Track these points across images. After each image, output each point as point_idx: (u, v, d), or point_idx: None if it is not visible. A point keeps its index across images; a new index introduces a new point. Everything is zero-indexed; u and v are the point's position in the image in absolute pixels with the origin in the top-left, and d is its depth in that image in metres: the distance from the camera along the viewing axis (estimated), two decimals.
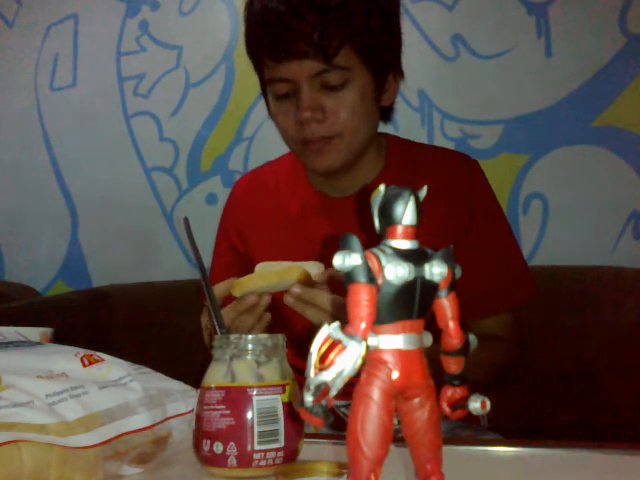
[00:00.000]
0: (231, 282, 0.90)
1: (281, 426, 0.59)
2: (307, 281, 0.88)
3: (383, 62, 1.04)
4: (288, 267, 0.89)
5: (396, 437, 0.39)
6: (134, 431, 0.59)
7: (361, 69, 1.00)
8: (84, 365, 0.62)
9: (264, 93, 1.10)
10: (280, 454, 0.59)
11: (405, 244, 0.40)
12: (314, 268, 0.90)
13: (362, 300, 0.37)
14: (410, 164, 1.13)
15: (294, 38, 0.95)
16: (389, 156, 1.14)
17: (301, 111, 0.99)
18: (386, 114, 1.13)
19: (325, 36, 0.95)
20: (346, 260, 0.37)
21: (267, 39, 0.99)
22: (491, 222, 1.13)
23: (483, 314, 1.08)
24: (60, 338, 0.78)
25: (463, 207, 1.10)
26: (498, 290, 1.09)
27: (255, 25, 1.01)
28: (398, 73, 1.09)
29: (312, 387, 0.36)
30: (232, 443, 0.58)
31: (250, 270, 0.98)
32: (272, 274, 0.89)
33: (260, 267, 0.95)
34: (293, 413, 0.60)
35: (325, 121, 1.00)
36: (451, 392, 0.43)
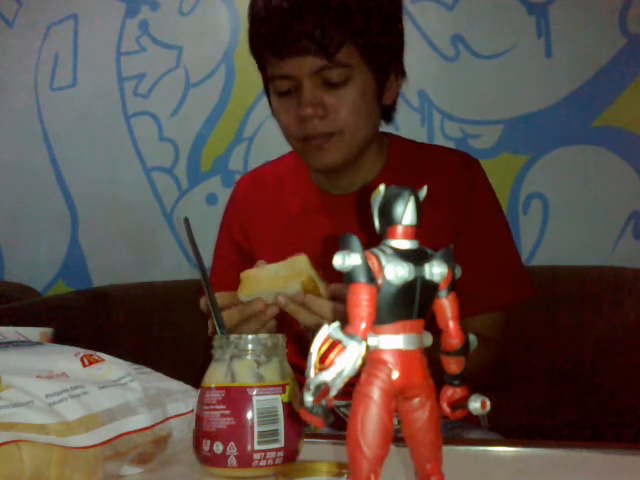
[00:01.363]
0: (232, 294, 0.90)
1: (281, 426, 0.59)
2: (312, 287, 0.88)
3: (384, 61, 1.04)
4: (293, 273, 0.89)
5: (396, 437, 0.39)
6: (134, 431, 0.59)
7: (362, 67, 1.01)
8: (84, 365, 0.62)
9: (267, 91, 1.10)
10: (280, 454, 0.59)
11: (405, 244, 0.40)
12: (299, 262, 0.89)
13: (362, 300, 0.37)
14: (411, 163, 1.13)
15: (296, 35, 0.96)
16: (390, 155, 1.14)
17: (302, 107, 1.00)
18: (388, 114, 1.13)
19: (327, 33, 0.96)
20: (346, 260, 0.37)
21: (270, 36, 1.00)
22: (489, 221, 1.13)
23: (474, 311, 1.07)
24: (60, 338, 0.78)
25: (463, 205, 1.10)
26: (490, 287, 1.08)
27: (258, 23, 1.02)
28: (400, 73, 1.10)
29: (312, 387, 0.36)
30: (232, 443, 0.58)
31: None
32: (278, 279, 0.89)
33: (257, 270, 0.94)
34: (293, 413, 0.60)
35: (326, 118, 1.01)
36: (451, 392, 0.43)
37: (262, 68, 1.07)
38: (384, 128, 1.14)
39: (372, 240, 0.41)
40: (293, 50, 0.97)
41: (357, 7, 0.98)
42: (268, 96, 1.10)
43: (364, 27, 0.98)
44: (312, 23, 0.95)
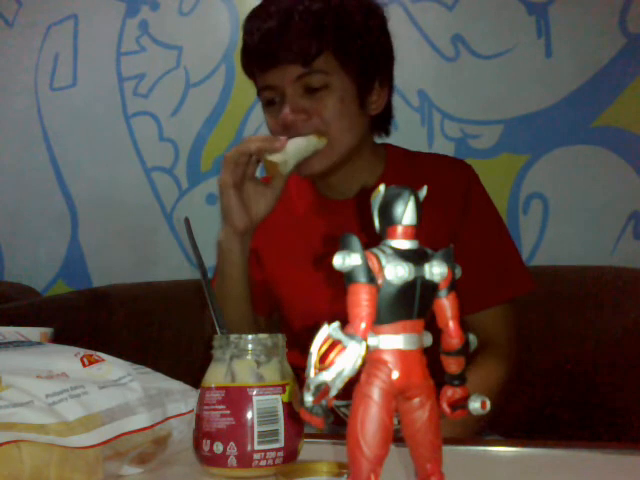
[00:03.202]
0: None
1: (281, 426, 0.59)
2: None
3: (364, 70, 1.09)
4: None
5: (396, 437, 0.39)
6: (134, 431, 0.59)
7: (340, 74, 1.07)
8: (84, 365, 0.62)
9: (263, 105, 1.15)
10: (280, 454, 0.59)
11: (405, 244, 0.40)
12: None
13: (362, 300, 0.37)
14: (408, 171, 1.16)
15: (277, 48, 1.04)
16: (388, 164, 1.18)
17: (284, 114, 1.06)
18: (382, 125, 1.18)
19: (304, 44, 1.03)
20: (346, 260, 0.37)
21: (256, 52, 1.08)
22: (486, 221, 1.16)
23: (478, 307, 1.10)
24: (60, 338, 0.78)
25: (459, 209, 1.13)
26: (492, 282, 1.11)
27: (247, 42, 1.09)
28: (385, 84, 1.14)
29: (312, 387, 0.36)
30: (232, 443, 0.58)
31: (258, 275, 1.11)
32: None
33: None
34: (293, 413, 0.60)
35: (309, 120, 1.06)
36: (451, 392, 0.43)
37: (255, 83, 1.13)
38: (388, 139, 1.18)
39: (372, 241, 0.41)
40: (274, 61, 1.05)
41: (334, 19, 1.05)
42: (264, 110, 1.15)
43: (340, 37, 1.05)
44: (292, 36, 1.03)
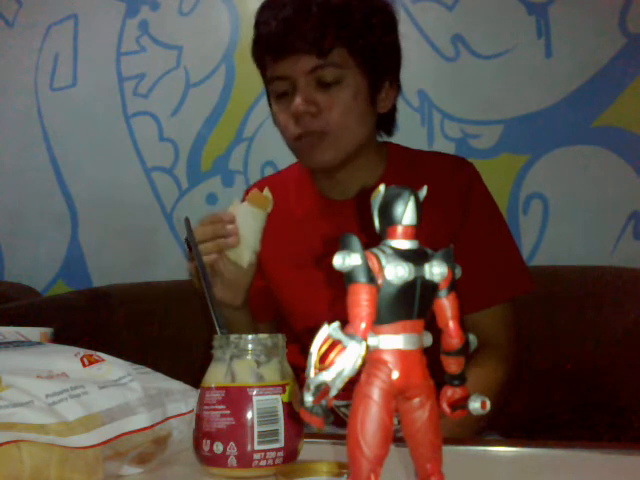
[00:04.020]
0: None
1: (281, 426, 0.59)
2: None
3: (377, 68, 1.09)
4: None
5: (396, 437, 0.39)
6: (134, 431, 0.59)
7: (354, 70, 1.06)
8: (84, 365, 0.62)
9: (268, 98, 1.15)
10: (280, 454, 0.59)
11: (405, 244, 0.40)
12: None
13: (362, 300, 0.37)
14: (409, 169, 1.17)
15: (292, 37, 1.03)
16: (389, 162, 1.18)
17: (296, 104, 1.05)
18: (386, 125, 1.18)
19: (320, 35, 1.02)
20: (346, 260, 0.37)
21: (268, 38, 1.07)
22: (487, 220, 1.15)
23: (478, 306, 1.09)
24: (60, 338, 0.78)
25: (460, 207, 1.13)
26: (492, 281, 1.11)
27: (262, 31, 1.09)
28: (395, 83, 1.14)
29: (312, 387, 0.36)
30: (232, 443, 0.58)
31: (260, 281, 1.12)
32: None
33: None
34: (293, 413, 0.60)
35: (319, 115, 1.05)
36: (451, 392, 0.43)
37: (263, 73, 1.12)
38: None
39: (372, 241, 0.41)
40: (289, 49, 1.04)
41: (352, 14, 1.05)
42: (270, 103, 1.14)
43: (357, 33, 1.05)
44: (308, 25, 1.02)
